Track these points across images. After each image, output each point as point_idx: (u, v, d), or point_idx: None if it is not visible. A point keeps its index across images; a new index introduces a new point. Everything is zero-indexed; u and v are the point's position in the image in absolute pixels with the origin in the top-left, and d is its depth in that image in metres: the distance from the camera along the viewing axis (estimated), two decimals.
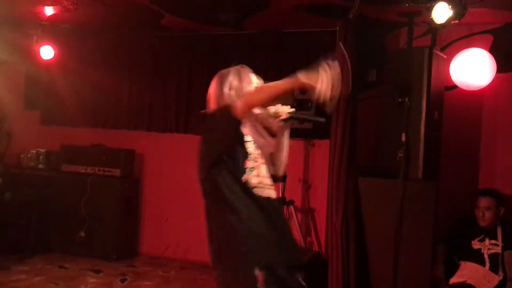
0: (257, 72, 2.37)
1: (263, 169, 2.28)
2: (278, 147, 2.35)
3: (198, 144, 2.23)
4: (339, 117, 4.04)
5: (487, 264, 3.72)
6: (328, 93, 1.95)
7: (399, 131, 3.61)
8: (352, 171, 4.03)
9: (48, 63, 5.75)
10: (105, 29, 5.56)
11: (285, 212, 4.73)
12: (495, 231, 3.79)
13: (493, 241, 3.77)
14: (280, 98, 2.13)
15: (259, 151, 2.30)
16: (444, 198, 4.07)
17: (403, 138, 3.59)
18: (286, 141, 2.36)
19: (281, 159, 2.36)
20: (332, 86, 1.96)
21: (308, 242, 5.06)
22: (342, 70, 3.96)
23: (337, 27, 4.08)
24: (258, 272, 2.08)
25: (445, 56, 3.99)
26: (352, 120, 4.05)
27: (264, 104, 2.20)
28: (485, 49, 4.21)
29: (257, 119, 2.30)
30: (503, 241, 3.75)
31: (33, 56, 5.64)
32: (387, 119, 3.90)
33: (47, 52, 5.61)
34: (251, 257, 2.11)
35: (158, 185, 5.78)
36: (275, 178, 2.35)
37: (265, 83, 2.26)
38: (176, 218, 5.63)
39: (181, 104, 5.56)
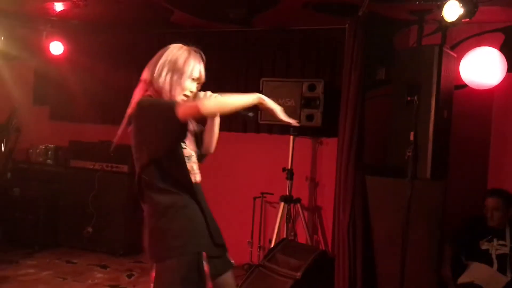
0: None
1: (194, 155, 2.34)
2: (207, 129, 2.41)
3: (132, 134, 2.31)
4: (348, 115, 4.03)
5: (495, 265, 3.69)
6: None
7: (408, 129, 3.58)
8: (359, 170, 4.02)
9: (57, 59, 5.77)
10: (115, 25, 5.57)
11: (292, 210, 4.73)
12: (504, 232, 3.75)
13: (501, 242, 3.73)
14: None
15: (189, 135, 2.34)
16: (452, 198, 4.05)
17: (412, 137, 3.55)
18: (216, 128, 2.42)
19: (208, 139, 2.42)
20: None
21: (315, 241, 5.05)
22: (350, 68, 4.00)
23: (347, 25, 4.07)
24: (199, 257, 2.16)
25: (455, 55, 3.95)
26: (360, 118, 4.03)
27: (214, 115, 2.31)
28: (495, 47, 4.16)
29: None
30: (511, 241, 3.72)
31: (43, 52, 5.66)
32: (396, 117, 3.87)
33: (56, 48, 5.63)
34: (193, 242, 2.18)
35: None
36: (200, 157, 2.41)
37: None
38: None
39: None
